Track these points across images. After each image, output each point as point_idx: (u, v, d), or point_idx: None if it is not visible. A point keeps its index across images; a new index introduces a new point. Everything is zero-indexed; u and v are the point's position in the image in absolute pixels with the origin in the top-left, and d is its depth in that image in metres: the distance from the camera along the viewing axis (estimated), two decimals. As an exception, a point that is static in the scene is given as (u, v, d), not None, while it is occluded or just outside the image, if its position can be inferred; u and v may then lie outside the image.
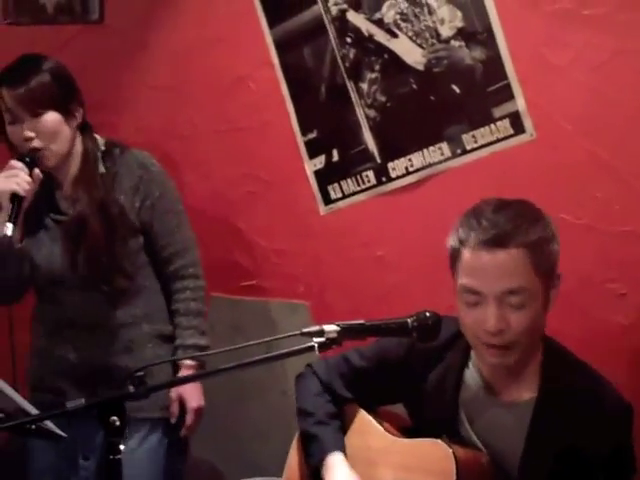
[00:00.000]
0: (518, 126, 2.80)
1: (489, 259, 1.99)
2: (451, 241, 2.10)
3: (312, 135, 3.16)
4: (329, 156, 3.14)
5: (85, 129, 2.76)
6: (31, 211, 2.67)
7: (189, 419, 2.73)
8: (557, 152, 2.76)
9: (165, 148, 3.22)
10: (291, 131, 3.18)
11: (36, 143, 2.61)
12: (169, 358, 2.73)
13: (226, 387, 2.82)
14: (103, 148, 2.76)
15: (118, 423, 1.78)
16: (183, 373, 2.72)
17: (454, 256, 2.08)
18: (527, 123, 2.79)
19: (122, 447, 1.79)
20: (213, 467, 3.32)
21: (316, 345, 1.83)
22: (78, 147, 2.73)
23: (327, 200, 3.17)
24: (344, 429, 2.31)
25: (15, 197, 2.54)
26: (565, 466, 2.03)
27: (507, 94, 2.80)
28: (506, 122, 2.82)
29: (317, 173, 3.17)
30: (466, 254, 2.03)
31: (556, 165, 2.77)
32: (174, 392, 2.71)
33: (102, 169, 2.72)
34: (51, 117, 2.63)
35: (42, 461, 2.81)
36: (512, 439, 2.10)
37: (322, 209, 3.18)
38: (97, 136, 2.79)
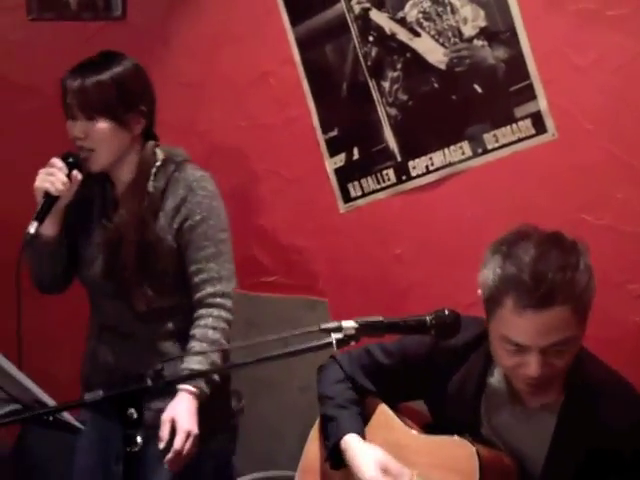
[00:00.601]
0: (540, 126, 2.79)
1: (535, 319, 1.94)
2: (485, 280, 2.01)
3: (333, 133, 3.16)
4: (350, 154, 3.14)
5: (147, 139, 2.66)
6: (88, 210, 2.67)
7: (178, 441, 2.45)
8: (578, 152, 2.75)
9: (186, 144, 3.22)
10: (312, 129, 3.18)
11: (84, 144, 2.56)
12: (172, 358, 2.56)
13: (242, 383, 2.81)
14: (159, 163, 2.65)
15: (135, 416, 1.78)
16: (179, 398, 2.51)
17: (491, 301, 2.01)
18: (549, 123, 2.78)
19: (139, 439, 1.79)
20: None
21: (334, 341, 1.82)
22: (134, 156, 2.63)
23: (347, 198, 3.17)
24: (365, 421, 2.30)
25: (48, 196, 2.53)
26: (589, 470, 2.02)
27: (529, 94, 2.79)
28: (528, 122, 2.81)
29: (337, 171, 3.17)
30: (508, 311, 1.96)
31: (577, 165, 2.76)
32: (167, 414, 2.48)
33: (151, 188, 2.62)
34: (102, 126, 2.54)
35: (83, 463, 2.78)
36: (534, 442, 2.10)
37: (342, 207, 3.18)
38: (158, 150, 2.67)
